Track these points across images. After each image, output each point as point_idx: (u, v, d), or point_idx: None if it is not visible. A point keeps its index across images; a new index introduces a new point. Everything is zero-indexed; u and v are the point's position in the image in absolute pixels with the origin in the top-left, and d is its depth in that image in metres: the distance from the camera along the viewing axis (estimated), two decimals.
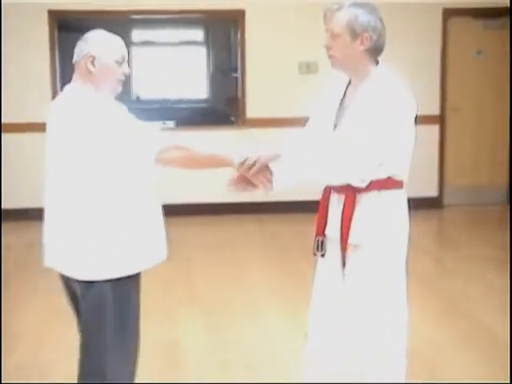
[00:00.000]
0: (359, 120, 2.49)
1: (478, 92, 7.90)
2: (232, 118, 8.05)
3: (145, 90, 9.07)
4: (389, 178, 2.56)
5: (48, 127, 2.71)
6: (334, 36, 2.55)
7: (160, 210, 2.77)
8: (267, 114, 7.35)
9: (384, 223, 2.56)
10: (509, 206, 7.68)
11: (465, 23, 7.75)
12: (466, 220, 7.54)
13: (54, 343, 4.10)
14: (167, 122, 8.01)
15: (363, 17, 2.51)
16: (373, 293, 2.58)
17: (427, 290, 5.05)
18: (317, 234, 2.71)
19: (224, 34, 8.37)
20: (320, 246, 2.70)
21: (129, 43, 8.40)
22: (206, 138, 7.11)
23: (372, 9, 2.55)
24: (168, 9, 7.55)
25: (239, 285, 5.26)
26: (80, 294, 2.73)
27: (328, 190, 2.67)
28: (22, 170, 7.38)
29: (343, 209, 2.56)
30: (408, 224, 2.68)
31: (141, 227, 2.67)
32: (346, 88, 2.67)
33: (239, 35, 7.55)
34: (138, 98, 9.28)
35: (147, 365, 3.29)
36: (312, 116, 2.82)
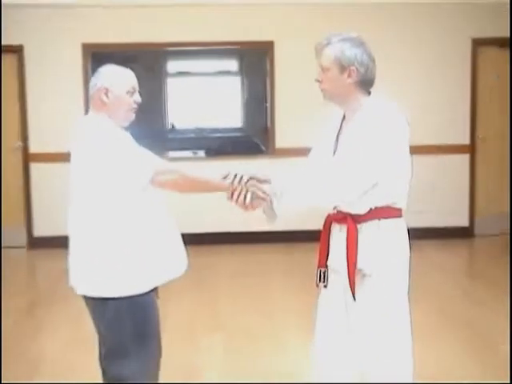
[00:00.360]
0: (352, 144, 2.57)
1: (504, 121, 7.91)
2: (262, 148, 8.16)
3: (180, 119, 9.20)
4: (387, 206, 2.62)
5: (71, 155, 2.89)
6: (323, 70, 2.66)
7: (174, 225, 2.91)
8: (296, 143, 7.41)
9: (385, 252, 2.61)
10: None
11: (492, 52, 7.80)
12: (496, 250, 7.47)
13: (76, 369, 4.18)
14: (198, 151, 8.15)
15: (350, 51, 2.62)
16: (376, 320, 2.63)
17: (453, 319, 5.07)
18: (319, 266, 2.77)
19: (257, 64, 8.49)
20: (323, 277, 2.75)
21: (164, 74, 8.60)
22: (234, 167, 7.25)
23: (359, 43, 2.65)
24: (202, 41, 7.76)
25: (262, 312, 5.33)
26: (98, 311, 2.87)
27: (329, 222, 2.73)
28: (51, 199, 7.59)
29: (347, 238, 2.61)
30: (408, 253, 2.72)
31: (154, 244, 2.82)
32: (342, 120, 2.75)
33: (268, 65, 7.75)
34: (173, 126, 9.40)
35: None
36: (313, 148, 2.91)
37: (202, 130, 9.17)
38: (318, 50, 2.68)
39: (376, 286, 2.62)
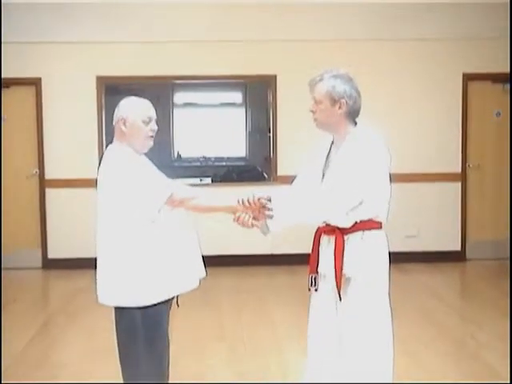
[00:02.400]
0: (340, 169, 2.98)
1: (497, 150, 8.34)
2: (265, 175, 8.54)
3: (186, 148, 9.47)
4: (369, 220, 3.00)
5: None
6: (317, 102, 3.06)
7: (192, 241, 3.25)
8: (296, 171, 7.71)
9: (367, 259, 3.00)
10: None
11: (484, 86, 8.22)
12: (486, 273, 7.81)
13: (93, 376, 4.46)
14: (204, 178, 8.54)
15: (340, 86, 3.01)
16: (360, 316, 3.00)
17: (444, 334, 5.41)
18: (310, 272, 3.15)
19: (261, 97, 8.83)
20: (313, 282, 3.14)
21: (171, 105, 8.98)
22: (237, 191, 7.66)
23: (348, 79, 3.05)
24: (208, 74, 8.16)
25: (262, 324, 5.72)
26: (115, 319, 3.21)
27: (319, 233, 3.14)
28: (65, 223, 8.02)
29: (335, 247, 3.00)
30: (387, 259, 3.11)
31: (168, 260, 3.12)
32: (330, 146, 3.16)
33: (271, 97, 8.19)
34: (179, 155, 9.65)
35: None
36: (300, 173, 3.30)
37: (207, 159, 9.43)
38: (312, 85, 3.08)
39: (359, 288, 3.00)
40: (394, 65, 8.18)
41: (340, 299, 3.03)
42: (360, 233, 3.00)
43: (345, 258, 2.99)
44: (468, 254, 8.37)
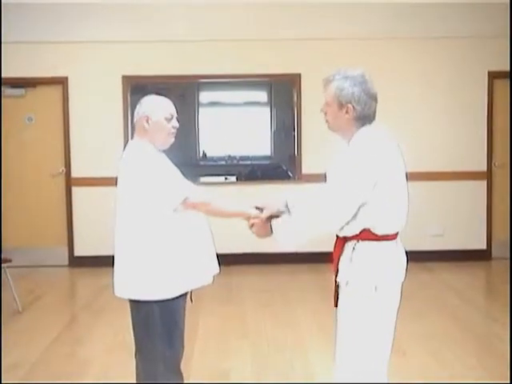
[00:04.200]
0: (331, 176, 2.91)
1: None
2: (290, 174, 8.56)
3: (211, 147, 9.50)
4: (364, 230, 2.84)
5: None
6: (327, 103, 2.92)
7: (206, 239, 3.28)
8: (321, 169, 7.75)
9: (356, 268, 2.87)
10: None
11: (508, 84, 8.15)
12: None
13: (119, 371, 4.54)
14: (229, 177, 8.58)
15: (347, 90, 2.83)
16: (348, 324, 2.92)
17: (468, 333, 5.39)
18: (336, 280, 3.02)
19: (286, 96, 8.84)
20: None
21: (196, 104, 9.01)
22: (262, 190, 7.74)
23: (359, 82, 2.86)
24: (233, 73, 8.23)
25: (285, 322, 5.74)
26: (132, 312, 3.27)
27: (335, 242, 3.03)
28: (90, 221, 8.12)
29: (333, 256, 2.96)
30: (385, 270, 2.89)
31: (184, 255, 3.17)
32: None
33: (296, 96, 8.21)
34: (204, 154, 9.66)
35: None
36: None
37: (232, 158, 9.44)
38: (324, 85, 2.95)
39: (345, 295, 2.92)
40: (420, 63, 8.16)
41: (335, 305, 3.00)
42: (353, 242, 2.89)
43: (339, 265, 2.94)
44: (494, 253, 8.33)
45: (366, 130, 2.89)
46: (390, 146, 2.86)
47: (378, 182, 2.77)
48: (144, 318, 3.20)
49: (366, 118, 2.89)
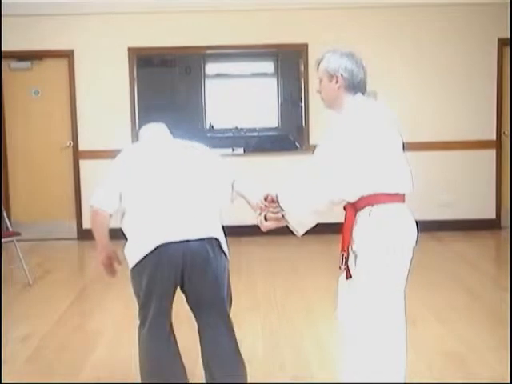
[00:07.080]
0: (328, 145, 2.89)
1: None
2: (297, 145, 8.54)
3: (218, 119, 9.49)
4: (377, 193, 2.83)
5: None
6: (320, 81, 3.02)
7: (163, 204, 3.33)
8: None
9: (374, 234, 2.85)
10: None
11: None
12: None
13: (129, 343, 4.52)
14: (237, 148, 8.57)
15: (335, 61, 2.93)
16: (362, 294, 2.89)
17: (478, 301, 5.40)
18: (342, 250, 2.95)
19: (293, 67, 8.80)
20: (344, 261, 2.96)
21: (203, 76, 8.96)
22: (270, 161, 7.73)
23: (347, 54, 2.95)
24: (239, 44, 8.18)
25: (294, 291, 5.77)
26: None
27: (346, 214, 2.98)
28: None
29: (344, 225, 2.91)
30: (400, 233, 2.90)
31: (146, 224, 3.33)
32: None
33: (303, 67, 8.16)
34: (211, 126, 9.66)
35: None
36: None
37: (239, 130, 9.43)
38: (317, 66, 3.05)
39: (363, 264, 2.88)
40: (428, 31, 8.07)
41: (347, 277, 2.97)
42: (368, 208, 2.86)
43: (353, 234, 2.90)
44: (503, 222, 8.31)
45: (357, 97, 2.96)
46: (383, 113, 2.92)
47: (372, 142, 2.80)
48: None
49: (356, 87, 2.96)
